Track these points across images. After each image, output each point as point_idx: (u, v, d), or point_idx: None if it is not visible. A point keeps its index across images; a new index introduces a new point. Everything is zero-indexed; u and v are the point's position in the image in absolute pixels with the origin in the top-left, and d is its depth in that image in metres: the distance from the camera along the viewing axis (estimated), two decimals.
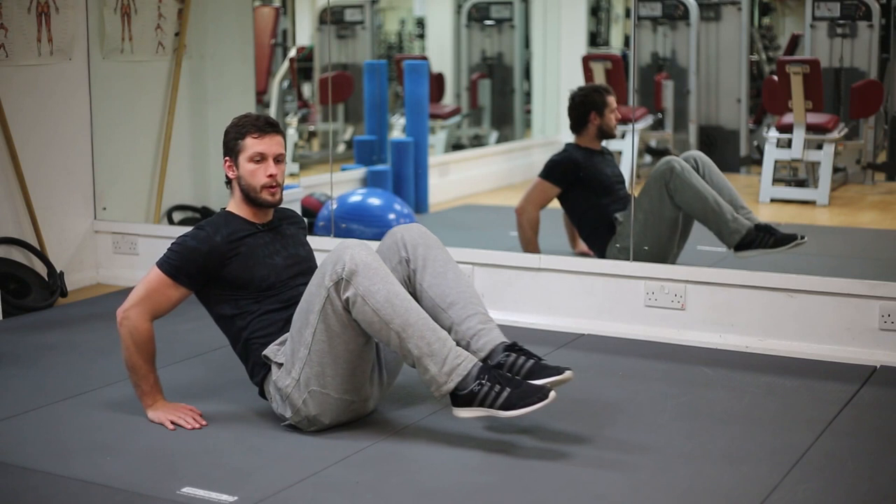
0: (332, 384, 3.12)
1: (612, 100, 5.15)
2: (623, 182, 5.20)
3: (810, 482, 2.85)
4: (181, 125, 5.68)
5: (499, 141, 8.87)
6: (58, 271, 5.04)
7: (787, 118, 6.90)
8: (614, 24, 9.56)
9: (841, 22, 7.39)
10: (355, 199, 6.09)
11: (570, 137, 5.24)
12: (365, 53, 8.88)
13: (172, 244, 3.32)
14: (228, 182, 3.41)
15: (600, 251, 5.02)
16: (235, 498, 2.77)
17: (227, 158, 3.37)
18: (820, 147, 6.81)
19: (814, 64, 6.82)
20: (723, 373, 3.80)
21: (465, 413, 2.99)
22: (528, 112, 9.00)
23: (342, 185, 6.68)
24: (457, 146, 8.73)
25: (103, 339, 4.18)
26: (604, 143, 5.22)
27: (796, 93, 6.76)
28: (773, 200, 6.81)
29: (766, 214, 6.42)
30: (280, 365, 3.19)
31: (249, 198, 3.36)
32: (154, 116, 5.60)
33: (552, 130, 8.70)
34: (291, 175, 6.93)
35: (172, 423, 3.25)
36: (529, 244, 5.13)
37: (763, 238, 4.65)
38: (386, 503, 2.77)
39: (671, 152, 7.55)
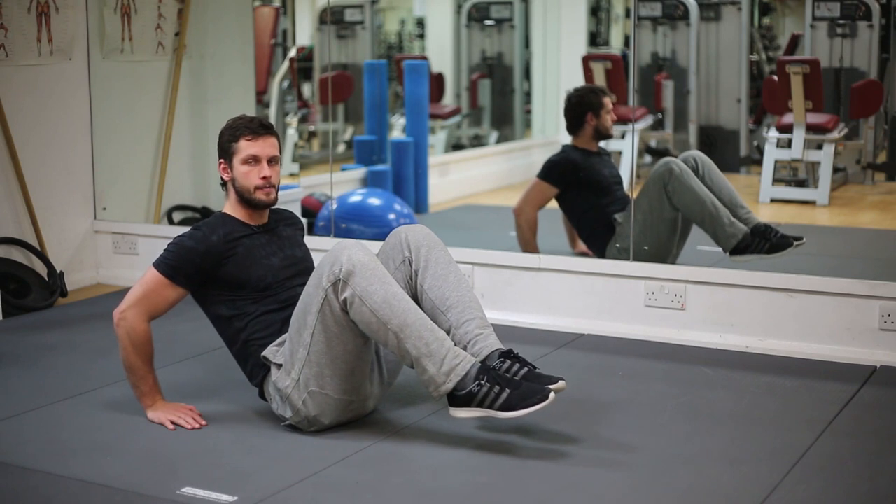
0: (331, 385, 3.12)
1: (607, 100, 5.16)
2: (621, 183, 5.20)
3: (810, 482, 2.85)
4: (181, 125, 5.67)
5: (499, 141, 8.86)
6: (58, 271, 5.04)
7: (787, 118, 6.90)
8: (614, 24, 9.55)
9: (841, 22, 7.38)
10: (355, 199, 6.09)
11: (570, 138, 5.24)
12: (365, 53, 8.87)
13: (169, 245, 3.32)
14: (224, 184, 3.41)
15: (600, 252, 5.02)
16: (235, 498, 2.77)
17: (221, 160, 3.38)
18: (820, 147, 6.81)
19: (814, 64, 6.82)
20: (723, 373, 3.80)
21: (462, 413, 2.99)
22: (528, 112, 8.99)
23: (342, 185, 6.68)
24: (457, 146, 8.73)
25: (103, 339, 4.18)
26: (602, 143, 5.22)
27: (796, 93, 6.76)
28: (773, 200, 6.81)
29: (766, 214, 6.42)
30: (279, 366, 3.19)
31: (244, 199, 3.36)
32: (154, 116, 5.59)
33: (552, 130, 8.70)
34: (291, 175, 6.94)
35: (172, 423, 3.25)
36: (528, 245, 5.13)
37: (759, 243, 4.66)
38: (386, 503, 2.77)
39: (671, 152, 7.55)
